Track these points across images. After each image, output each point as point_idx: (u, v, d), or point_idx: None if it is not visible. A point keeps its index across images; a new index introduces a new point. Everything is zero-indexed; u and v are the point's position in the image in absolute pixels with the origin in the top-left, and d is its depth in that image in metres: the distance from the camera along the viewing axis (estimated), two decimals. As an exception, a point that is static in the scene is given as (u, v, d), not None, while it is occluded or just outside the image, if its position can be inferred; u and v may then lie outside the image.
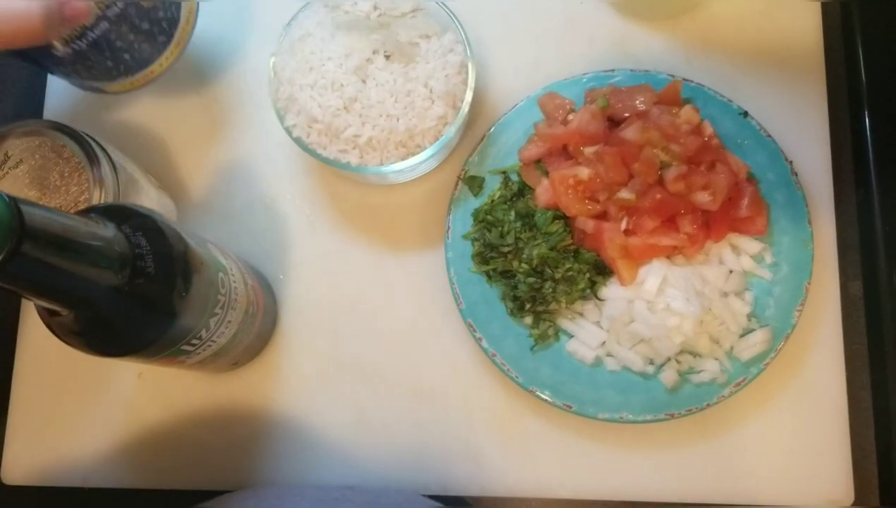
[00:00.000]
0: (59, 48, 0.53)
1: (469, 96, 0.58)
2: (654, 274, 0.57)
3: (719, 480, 0.59)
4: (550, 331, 0.60)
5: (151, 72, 0.60)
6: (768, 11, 0.66)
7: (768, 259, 0.60)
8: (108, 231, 0.42)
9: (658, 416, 0.57)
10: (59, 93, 0.70)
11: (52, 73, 0.59)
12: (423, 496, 0.59)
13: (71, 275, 0.39)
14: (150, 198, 0.61)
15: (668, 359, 0.58)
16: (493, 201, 0.62)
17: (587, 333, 0.59)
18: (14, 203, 0.35)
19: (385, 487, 0.60)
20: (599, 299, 0.59)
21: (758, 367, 0.57)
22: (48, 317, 0.44)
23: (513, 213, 0.60)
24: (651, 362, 0.59)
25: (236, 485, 0.61)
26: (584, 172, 0.59)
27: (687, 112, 0.59)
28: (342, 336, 0.64)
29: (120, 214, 0.45)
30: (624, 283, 0.58)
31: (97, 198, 0.56)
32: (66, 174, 0.57)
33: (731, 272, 0.59)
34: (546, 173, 0.61)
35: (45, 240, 0.37)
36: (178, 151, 0.68)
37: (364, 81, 0.58)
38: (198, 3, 0.62)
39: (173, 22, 0.59)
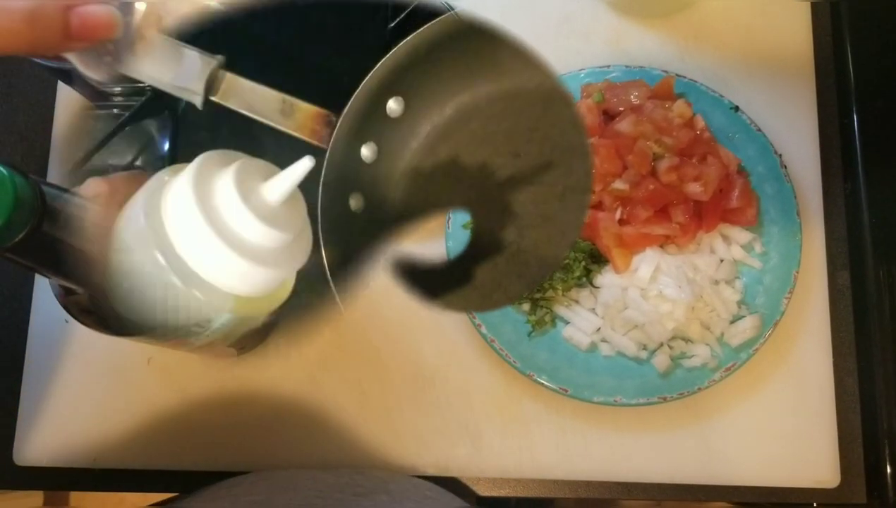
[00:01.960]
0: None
1: (469, 90, 0.60)
2: (647, 262, 0.59)
3: (709, 462, 0.61)
4: (547, 318, 0.61)
5: None
6: (759, 10, 0.68)
7: (758, 248, 0.61)
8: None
9: (651, 400, 0.58)
10: (69, 103, 0.70)
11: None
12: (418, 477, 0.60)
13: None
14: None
15: (661, 345, 0.60)
16: (492, 192, 0.63)
17: (582, 319, 0.61)
18: (36, 183, 0.36)
19: (391, 473, 0.62)
20: (594, 286, 0.61)
21: (747, 353, 0.59)
22: (64, 297, 0.45)
23: (511, 204, 0.62)
24: (644, 347, 0.60)
25: (242, 466, 0.62)
26: (579, 164, 0.60)
27: (679, 106, 0.61)
28: (345, 322, 0.65)
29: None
30: (618, 271, 0.59)
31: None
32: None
33: (721, 261, 0.61)
34: (543, 165, 0.62)
35: (63, 220, 0.38)
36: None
37: (368, 75, 0.59)
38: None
39: None
